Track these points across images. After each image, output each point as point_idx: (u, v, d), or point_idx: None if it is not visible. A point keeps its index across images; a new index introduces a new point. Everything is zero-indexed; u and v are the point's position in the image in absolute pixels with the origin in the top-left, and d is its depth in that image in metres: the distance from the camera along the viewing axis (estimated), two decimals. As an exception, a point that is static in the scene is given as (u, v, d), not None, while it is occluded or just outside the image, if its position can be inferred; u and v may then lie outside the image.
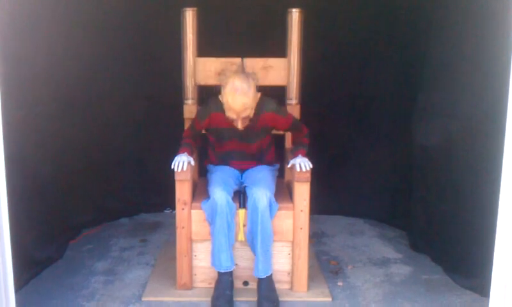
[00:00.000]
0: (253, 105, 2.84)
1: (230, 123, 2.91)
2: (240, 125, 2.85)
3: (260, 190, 2.83)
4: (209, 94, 3.11)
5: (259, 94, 2.87)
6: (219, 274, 2.86)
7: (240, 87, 2.74)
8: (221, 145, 3.12)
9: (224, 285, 2.82)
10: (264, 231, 2.81)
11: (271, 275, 2.87)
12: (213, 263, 2.87)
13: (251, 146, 3.09)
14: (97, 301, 2.89)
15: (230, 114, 2.81)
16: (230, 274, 2.86)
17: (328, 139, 4.06)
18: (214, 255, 2.85)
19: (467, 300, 2.93)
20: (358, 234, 3.97)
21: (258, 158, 3.14)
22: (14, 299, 2.21)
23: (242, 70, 3.10)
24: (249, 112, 2.83)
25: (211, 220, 2.85)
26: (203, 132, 3.18)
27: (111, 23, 3.78)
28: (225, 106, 2.81)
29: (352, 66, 3.99)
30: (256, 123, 2.97)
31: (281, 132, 3.27)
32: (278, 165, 3.25)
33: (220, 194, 2.81)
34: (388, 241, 3.82)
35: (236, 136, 3.03)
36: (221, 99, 2.84)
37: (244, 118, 2.83)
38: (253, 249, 2.87)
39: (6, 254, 2.12)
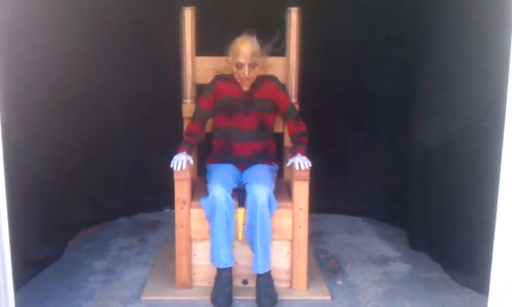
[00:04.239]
0: (260, 58, 3.02)
1: (235, 88, 3.06)
2: (247, 73, 2.96)
3: (260, 187, 2.84)
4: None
5: (265, 58, 3.09)
6: (219, 270, 2.86)
7: (247, 36, 3.00)
8: (224, 120, 3.13)
9: (224, 281, 2.82)
10: (262, 226, 2.81)
11: (269, 271, 2.88)
12: (212, 260, 2.87)
13: (253, 120, 3.11)
14: (96, 301, 2.89)
15: (239, 59, 2.95)
16: (229, 270, 2.86)
17: (327, 138, 4.07)
18: (213, 251, 2.86)
19: (466, 298, 2.94)
20: (357, 232, 3.97)
21: (259, 142, 3.14)
22: (13, 299, 2.21)
23: None
24: (256, 60, 2.98)
25: (210, 217, 2.86)
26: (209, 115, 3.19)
27: (110, 21, 3.78)
28: (234, 53, 2.98)
29: (351, 65, 3.99)
30: (258, 89, 3.08)
31: (279, 119, 3.29)
32: (277, 166, 3.25)
33: (219, 191, 2.81)
34: (387, 239, 3.82)
35: (240, 106, 3.09)
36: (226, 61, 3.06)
37: (251, 65, 2.96)
38: (252, 245, 2.87)
39: (5, 254, 2.12)
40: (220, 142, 3.19)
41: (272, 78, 3.19)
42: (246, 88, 3.07)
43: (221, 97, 3.12)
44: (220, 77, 3.17)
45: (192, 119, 3.17)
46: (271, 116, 3.20)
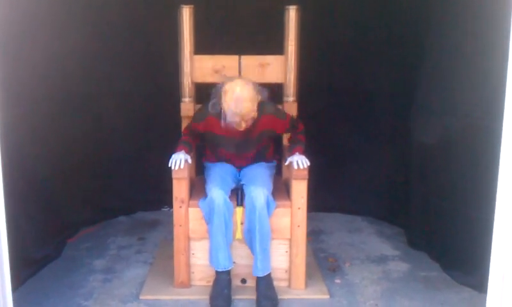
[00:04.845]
0: (256, 106, 2.79)
1: (226, 130, 2.87)
2: (243, 126, 2.80)
3: (258, 189, 2.83)
4: (207, 93, 3.09)
5: (259, 96, 2.83)
6: (217, 272, 2.85)
7: (241, 93, 2.71)
8: (217, 150, 3.11)
9: (223, 284, 2.82)
10: (261, 229, 2.80)
11: (269, 273, 2.87)
12: (211, 262, 2.87)
13: (248, 154, 3.08)
14: (95, 300, 2.89)
15: (235, 119, 2.75)
16: (228, 272, 2.86)
17: (326, 137, 4.06)
18: (212, 254, 2.85)
19: (465, 296, 2.93)
20: (356, 231, 3.97)
21: (256, 160, 3.13)
22: (11, 298, 2.21)
23: (239, 76, 3.08)
24: (254, 114, 2.80)
25: (208, 219, 2.85)
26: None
27: (108, 21, 3.78)
28: (228, 113, 2.74)
29: (350, 64, 3.99)
30: (255, 127, 2.92)
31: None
32: (275, 162, 3.24)
33: (217, 193, 2.81)
34: (386, 238, 3.82)
35: (232, 145, 3.03)
36: (218, 105, 2.81)
37: (248, 121, 2.80)
38: (252, 247, 2.86)
39: (3, 253, 2.12)
40: (212, 153, 3.16)
41: (267, 109, 2.93)
42: (243, 128, 2.83)
43: (211, 131, 2.99)
44: (212, 111, 2.89)
45: (186, 128, 3.15)
46: (270, 139, 3.15)
